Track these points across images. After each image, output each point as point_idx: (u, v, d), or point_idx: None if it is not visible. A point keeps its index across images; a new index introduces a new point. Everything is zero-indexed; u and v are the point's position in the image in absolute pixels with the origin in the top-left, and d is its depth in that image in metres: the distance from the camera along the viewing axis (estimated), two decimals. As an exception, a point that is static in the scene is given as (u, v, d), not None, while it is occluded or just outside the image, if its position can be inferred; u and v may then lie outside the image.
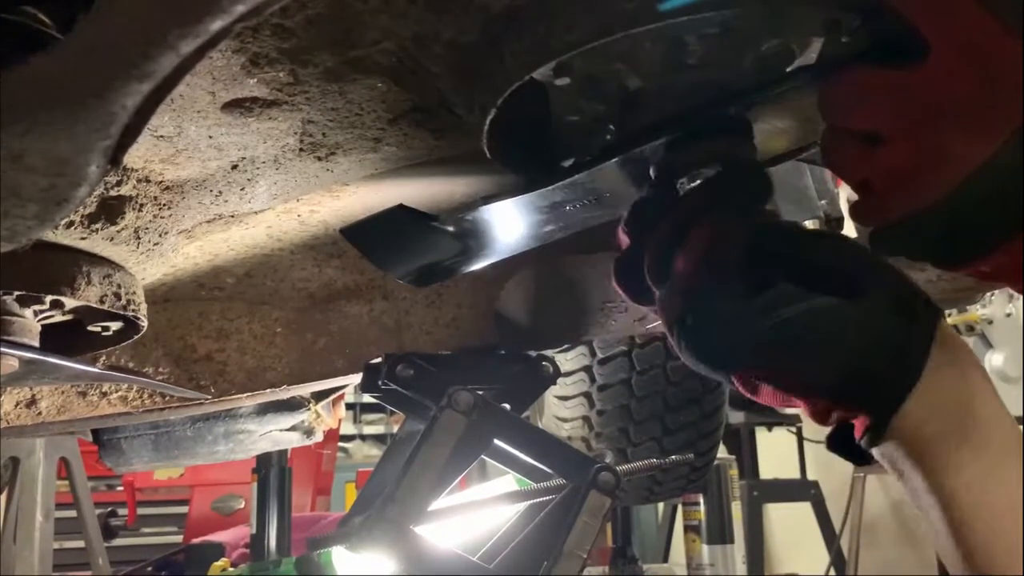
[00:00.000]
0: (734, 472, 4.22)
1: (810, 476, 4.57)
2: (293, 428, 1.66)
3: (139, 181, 0.80)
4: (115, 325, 0.93)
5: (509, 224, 0.80)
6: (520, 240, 0.83)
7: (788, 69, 0.70)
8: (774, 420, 4.59)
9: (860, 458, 0.67)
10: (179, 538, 5.32)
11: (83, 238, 0.79)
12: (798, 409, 0.67)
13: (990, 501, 0.61)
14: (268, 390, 1.28)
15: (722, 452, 3.82)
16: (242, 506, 4.98)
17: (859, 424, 0.64)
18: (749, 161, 0.71)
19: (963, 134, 0.56)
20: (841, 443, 0.67)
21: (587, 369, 2.10)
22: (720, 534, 4.00)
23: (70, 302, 0.84)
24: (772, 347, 0.62)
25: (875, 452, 0.64)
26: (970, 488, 0.61)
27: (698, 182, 0.70)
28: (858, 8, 0.63)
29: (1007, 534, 0.60)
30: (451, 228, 0.80)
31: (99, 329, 0.93)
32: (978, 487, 0.61)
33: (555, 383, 1.18)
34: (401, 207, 0.79)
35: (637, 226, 0.71)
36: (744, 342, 0.63)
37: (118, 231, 0.81)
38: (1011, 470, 0.62)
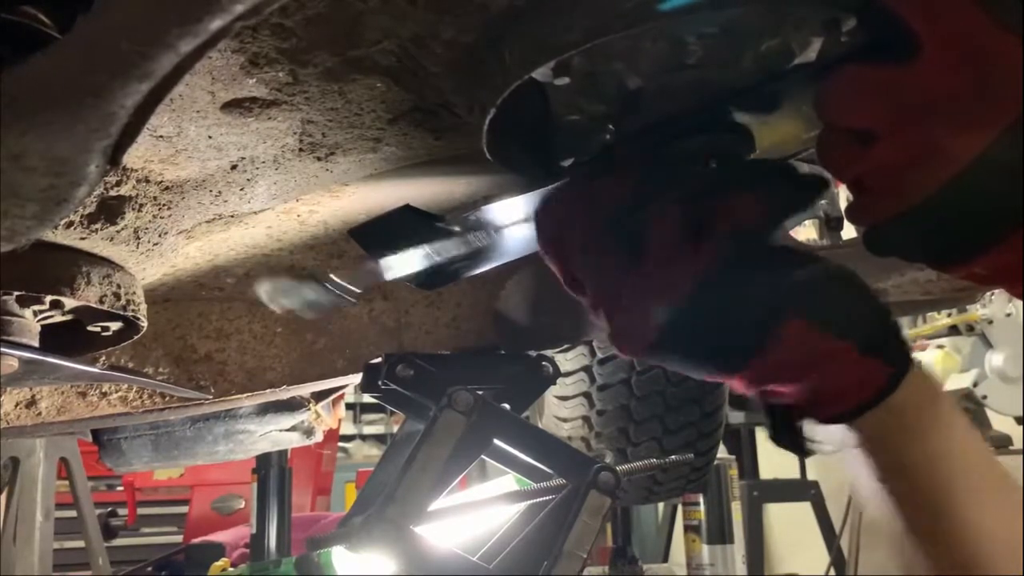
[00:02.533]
0: (734, 472, 4.22)
1: (810, 476, 4.57)
2: (293, 428, 1.66)
3: (139, 181, 0.80)
4: (115, 325, 0.93)
5: (513, 225, 0.80)
6: (525, 242, 0.83)
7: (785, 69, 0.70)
8: (774, 420, 4.59)
9: (801, 448, 0.70)
10: (179, 538, 5.32)
11: (83, 238, 0.79)
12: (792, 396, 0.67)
13: (969, 460, 0.67)
14: (268, 390, 1.28)
15: (722, 452, 3.82)
16: (242, 506, 4.99)
17: (865, 386, 0.65)
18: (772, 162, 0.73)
19: (955, 130, 0.56)
20: (780, 433, 0.70)
21: (587, 369, 2.10)
22: (720, 534, 4.00)
23: (70, 302, 0.84)
24: (820, 294, 0.65)
25: (867, 417, 0.66)
26: (952, 449, 0.66)
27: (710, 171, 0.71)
28: (853, 7, 0.63)
29: (990, 487, 0.66)
30: (456, 228, 0.80)
31: (99, 329, 0.93)
32: (959, 448, 0.67)
33: (555, 383, 1.18)
34: (407, 207, 0.79)
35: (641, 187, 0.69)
36: (791, 290, 0.65)
37: (118, 231, 0.81)
38: (969, 432, 0.69)
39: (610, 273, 0.69)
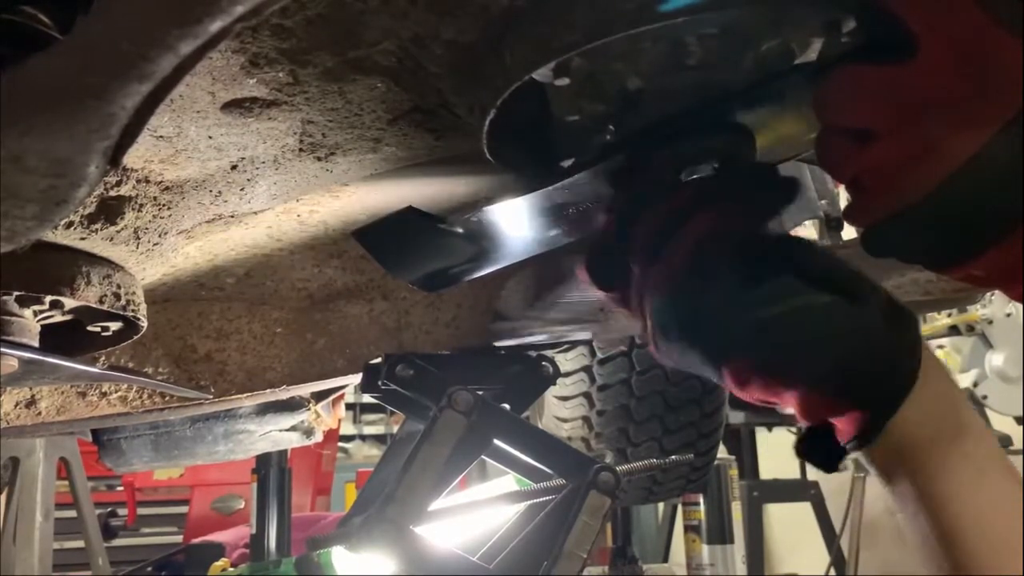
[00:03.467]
0: (734, 472, 4.22)
1: (810, 476, 4.57)
2: (293, 428, 1.66)
3: (139, 181, 0.80)
4: (115, 325, 0.93)
5: (515, 227, 0.80)
6: (527, 244, 0.83)
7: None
8: (774, 420, 4.59)
9: (830, 464, 0.67)
10: (179, 538, 5.32)
11: (83, 238, 0.79)
12: (785, 407, 0.66)
13: (981, 505, 0.62)
14: (268, 390, 1.28)
15: (722, 452, 3.82)
16: (242, 506, 4.99)
17: (846, 426, 0.64)
18: (762, 165, 0.72)
19: (952, 128, 0.56)
20: (811, 448, 0.67)
21: (587, 369, 2.09)
22: (720, 534, 4.00)
23: (70, 302, 0.84)
24: (773, 336, 0.63)
25: (862, 456, 0.64)
26: (962, 492, 0.62)
27: (709, 172, 0.71)
28: (852, 8, 0.63)
29: (1000, 537, 0.61)
30: (459, 230, 0.80)
31: (99, 329, 0.93)
32: (969, 491, 0.62)
33: (555, 383, 1.18)
34: (410, 209, 0.79)
35: (629, 207, 0.70)
36: (742, 329, 0.63)
37: (118, 231, 0.81)
38: (997, 475, 0.63)
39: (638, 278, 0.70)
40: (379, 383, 1.07)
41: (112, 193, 0.78)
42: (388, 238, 0.82)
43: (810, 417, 0.65)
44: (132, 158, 0.77)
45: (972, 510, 0.61)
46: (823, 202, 1.47)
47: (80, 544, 3.44)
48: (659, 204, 0.68)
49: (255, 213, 0.96)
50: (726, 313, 0.64)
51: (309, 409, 1.62)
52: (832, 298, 0.63)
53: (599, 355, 2.07)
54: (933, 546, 0.62)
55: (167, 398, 1.25)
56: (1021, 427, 3.78)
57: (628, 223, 0.70)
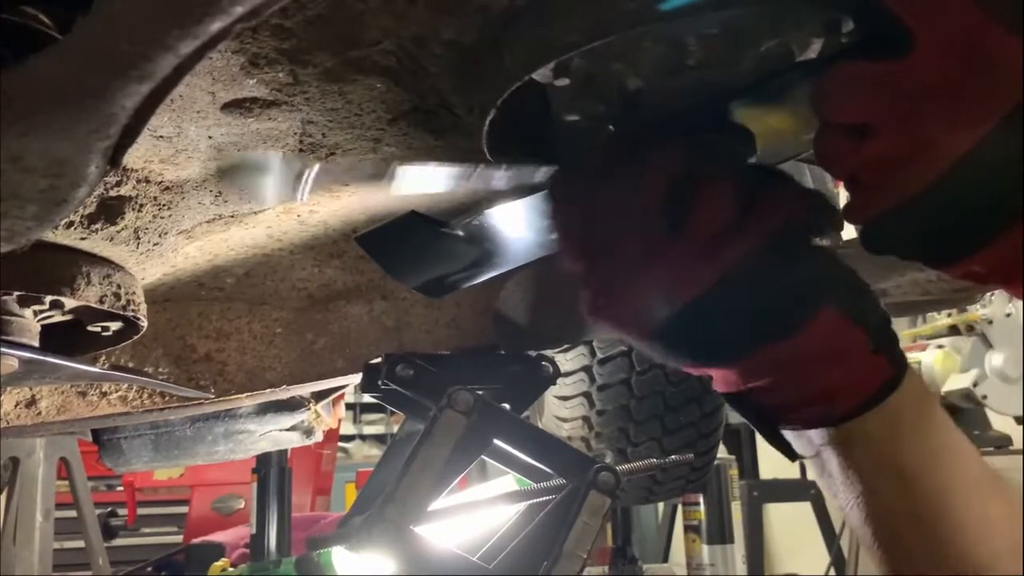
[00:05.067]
0: (734, 472, 4.22)
1: (810, 476, 4.57)
2: (293, 428, 1.66)
3: (139, 181, 0.80)
4: (115, 325, 0.93)
5: (516, 230, 0.80)
6: (529, 248, 0.83)
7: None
8: (774, 420, 4.59)
9: (794, 454, 0.71)
10: (179, 538, 5.32)
11: (83, 238, 0.79)
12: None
13: (965, 461, 0.67)
14: (268, 390, 1.28)
15: (722, 452, 3.82)
16: (242, 506, 4.99)
17: (867, 385, 0.66)
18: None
19: (949, 123, 0.56)
20: (780, 437, 0.71)
21: (587, 369, 2.10)
22: (720, 534, 4.00)
23: (70, 302, 0.84)
24: (852, 288, 0.68)
25: (866, 418, 0.66)
26: (948, 448, 0.67)
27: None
28: (851, 7, 0.63)
29: (991, 490, 0.66)
30: (461, 233, 0.79)
31: (99, 329, 0.93)
32: (952, 447, 0.67)
33: (555, 383, 1.18)
34: (413, 213, 0.79)
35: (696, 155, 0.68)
36: (834, 280, 0.67)
37: (118, 231, 0.81)
38: (960, 445, 0.68)
39: (637, 249, 0.67)
40: (379, 383, 1.07)
41: (112, 193, 0.78)
42: (390, 243, 0.82)
43: (847, 377, 0.66)
44: (132, 158, 0.77)
45: (958, 463, 0.66)
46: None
47: (80, 544, 3.44)
48: (718, 183, 0.66)
49: (255, 213, 0.96)
50: (806, 273, 0.67)
51: (309, 409, 1.62)
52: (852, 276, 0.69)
53: (599, 355, 2.07)
54: (905, 519, 0.66)
55: (167, 398, 1.25)
56: (1021, 427, 3.78)
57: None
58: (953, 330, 3.92)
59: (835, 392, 0.67)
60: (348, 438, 8.02)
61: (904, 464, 0.66)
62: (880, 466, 0.67)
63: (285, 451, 3.22)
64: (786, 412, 0.69)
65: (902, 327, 4.38)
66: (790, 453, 0.71)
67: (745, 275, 0.65)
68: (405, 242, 0.81)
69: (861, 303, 0.67)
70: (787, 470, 4.61)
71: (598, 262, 0.69)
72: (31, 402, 1.18)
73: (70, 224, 0.77)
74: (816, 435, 0.69)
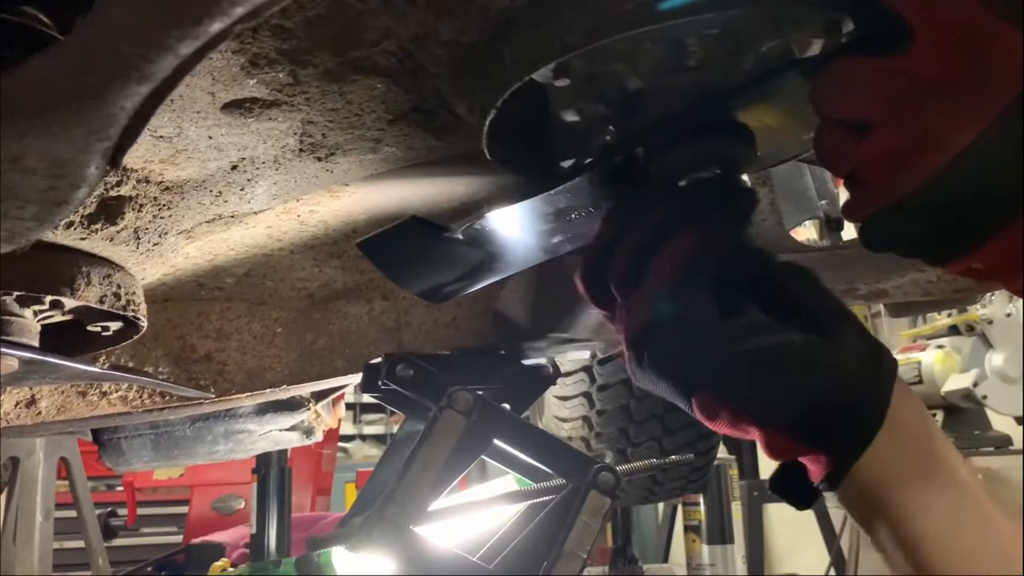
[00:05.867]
0: (734, 472, 4.22)
1: (810, 476, 4.57)
2: (293, 428, 1.66)
3: (139, 182, 0.80)
4: (115, 325, 0.93)
5: (517, 234, 0.79)
6: (530, 252, 0.82)
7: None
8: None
9: (804, 501, 0.66)
10: (179, 538, 5.32)
11: (83, 238, 0.79)
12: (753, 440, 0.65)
13: (959, 540, 0.60)
14: (268, 390, 1.28)
15: (722, 452, 3.82)
16: (242, 506, 4.99)
17: (816, 466, 0.63)
18: (737, 175, 0.71)
19: (948, 117, 0.55)
20: (784, 484, 0.66)
21: (587, 369, 2.10)
22: (720, 534, 4.00)
23: (70, 302, 0.84)
24: (742, 374, 0.62)
25: (836, 496, 0.63)
26: (939, 530, 0.60)
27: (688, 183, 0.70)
28: (851, 7, 0.63)
29: (979, 573, 0.59)
30: (462, 237, 0.79)
31: (99, 329, 0.93)
32: (947, 528, 0.60)
33: (555, 383, 1.18)
34: (414, 218, 0.79)
35: (622, 217, 0.69)
36: (713, 363, 0.63)
37: (118, 231, 0.81)
38: (974, 509, 0.61)
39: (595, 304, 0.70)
40: (379, 383, 1.07)
41: (112, 193, 0.78)
42: (392, 248, 0.82)
43: (775, 456, 0.64)
44: (132, 158, 0.77)
45: (952, 547, 0.60)
46: (823, 202, 1.47)
47: (80, 544, 3.44)
48: (645, 216, 0.66)
49: (255, 213, 0.96)
50: (699, 345, 0.63)
51: (309, 409, 1.62)
52: (806, 339, 0.62)
53: (599, 355, 2.07)
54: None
55: (167, 398, 1.25)
56: (1021, 427, 3.78)
57: (617, 233, 0.68)
58: (953, 330, 3.92)
59: (788, 466, 0.64)
60: (348, 438, 8.02)
61: (887, 542, 0.61)
62: (882, 534, 0.62)
63: (285, 451, 3.22)
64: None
65: (902, 327, 4.39)
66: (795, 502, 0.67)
67: (676, 319, 0.64)
68: (406, 247, 0.81)
69: (749, 392, 0.62)
70: (787, 470, 4.60)
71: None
72: (31, 402, 1.18)
73: (70, 224, 0.77)
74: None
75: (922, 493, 0.60)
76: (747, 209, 0.69)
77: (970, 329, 3.84)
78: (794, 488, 0.65)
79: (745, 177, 0.72)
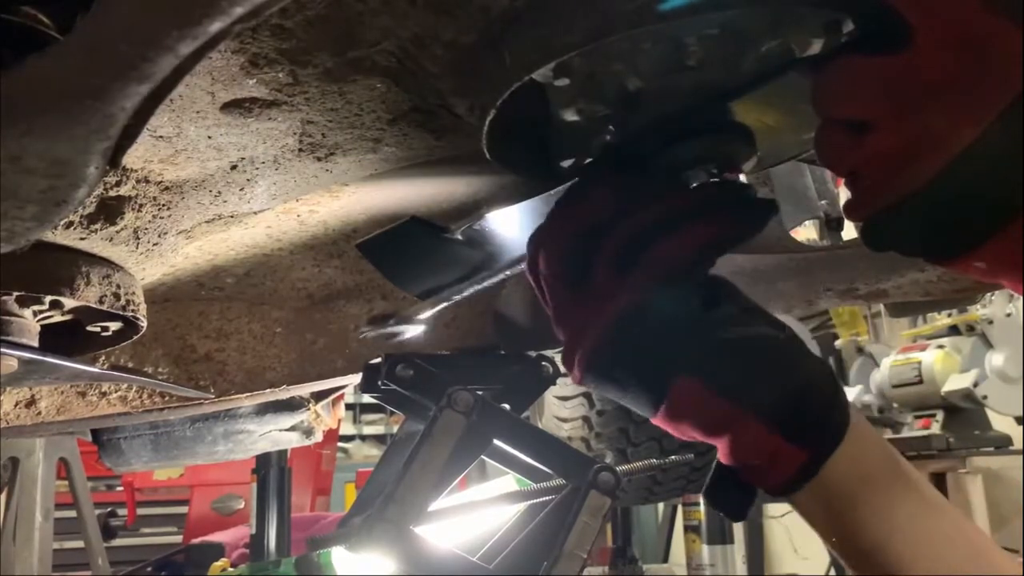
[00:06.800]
0: (734, 472, 4.22)
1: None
2: (293, 428, 1.66)
3: (138, 181, 0.80)
4: (114, 325, 0.93)
5: (517, 234, 0.79)
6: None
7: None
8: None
9: (740, 511, 0.67)
10: (179, 538, 5.33)
11: (82, 238, 0.79)
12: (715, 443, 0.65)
13: (927, 536, 0.61)
14: (268, 390, 1.28)
15: (722, 452, 3.80)
16: (242, 506, 4.99)
17: (783, 464, 0.63)
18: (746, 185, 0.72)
19: (949, 116, 0.55)
20: (718, 494, 0.67)
21: (587, 369, 2.09)
22: (720, 534, 4.00)
23: (69, 302, 0.84)
24: (729, 360, 0.63)
25: (793, 500, 0.63)
26: (907, 525, 0.61)
27: (709, 180, 0.70)
28: (851, 7, 0.63)
29: (953, 565, 0.60)
30: (461, 238, 0.79)
31: (99, 329, 0.93)
32: (915, 524, 0.61)
33: (555, 383, 1.18)
34: (413, 219, 0.79)
35: (619, 202, 0.68)
36: (698, 350, 0.63)
37: (117, 231, 0.81)
38: (940, 507, 0.62)
39: (564, 291, 0.68)
40: (379, 383, 1.07)
41: (112, 193, 0.78)
42: (392, 249, 0.82)
43: (743, 455, 0.64)
44: (132, 158, 0.77)
45: (916, 548, 0.60)
46: (823, 202, 1.47)
47: (80, 544, 3.44)
48: (654, 204, 0.67)
49: (255, 213, 0.96)
50: (687, 330, 0.63)
51: (309, 409, 1.62)
52: (786, 334, 0.64)
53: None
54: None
55: (167, 398, 1.25)
56: (1021, 427, 3.78)
57: (613, 217, 0.67)
58: (953, 330, 3.92)
59: (744, 468, 0.64)
60: (348, 438, 8.03)
61: (849, 547, 0.62)
62: (831, 539, 0.63)
63: (285, 451, 3.22)
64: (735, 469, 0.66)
65: (902, 327, 4.39)
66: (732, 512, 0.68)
67: (620, 334, 0.64)
68: (406, 248, 0.81)
69: (734, 378, 0.62)
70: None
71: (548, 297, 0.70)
72: (31, 402, 1.18)
73: (70, 224, 0.77)
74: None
75: (890, 489, 0.62)
76: (764, 217, 0.70)
77: (970, 329, 3.84)
78: (730, 498, 0.67)
79: (744, 178, 0.72)
